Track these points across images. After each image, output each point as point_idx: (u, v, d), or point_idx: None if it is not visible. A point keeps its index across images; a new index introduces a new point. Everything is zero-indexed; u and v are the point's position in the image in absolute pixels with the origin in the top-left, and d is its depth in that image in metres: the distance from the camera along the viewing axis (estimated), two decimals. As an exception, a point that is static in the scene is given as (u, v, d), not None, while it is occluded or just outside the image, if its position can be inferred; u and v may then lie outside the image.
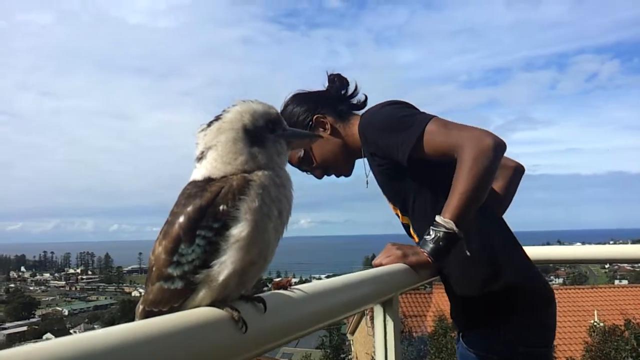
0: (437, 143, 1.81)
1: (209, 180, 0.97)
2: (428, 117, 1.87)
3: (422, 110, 1.98)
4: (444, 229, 1.74)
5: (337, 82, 2.22)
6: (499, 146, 1.75)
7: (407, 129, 1.86)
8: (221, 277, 0.89)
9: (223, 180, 0.95)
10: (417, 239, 2.04)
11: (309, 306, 1.16)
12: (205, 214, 0.91)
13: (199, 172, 0.99)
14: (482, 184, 1.73)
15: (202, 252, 0.90)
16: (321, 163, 2.18)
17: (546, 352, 1.90)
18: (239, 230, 0.90)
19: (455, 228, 1.72)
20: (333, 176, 2.27)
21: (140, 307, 0.96)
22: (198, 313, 0.87)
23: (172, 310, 0.91)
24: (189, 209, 0.92)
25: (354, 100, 2.25)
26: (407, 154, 1.86)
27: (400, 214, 2.14)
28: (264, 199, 0.93)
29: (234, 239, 0.89)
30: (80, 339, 0.65)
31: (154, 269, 0.94)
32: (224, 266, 0.89)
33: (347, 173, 2.26)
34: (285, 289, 1.13)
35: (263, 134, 1.01)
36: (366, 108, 2.18)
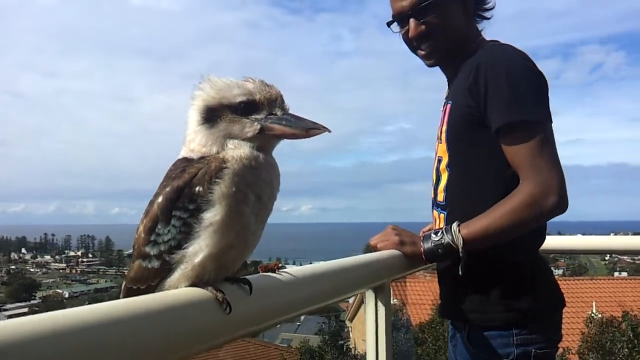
0: (521, 149, 1.67)
1: (188, 161, 0.97)
2: (549, 118, 1.72)
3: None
4: (450, 240, 1.70)
5: None
6: (556, 210, 1.64)
7: (533, 104, 1.69)
8: (196, 260, 0.90)
9: (202, 162, 0.95)
10: (440, 193, 1.91)
11: (296, 290, 1.16)
12: (181, 195, 0.92)
13: (182, 152, 1.00)
14: (515, 230, 1.66)
15: (177, 233, 0.91)
16: (438, 24, 1.85)
17: (555, 352, 1.85)
18: (212, 214, 0.90)
19: (461, 247, 1.68)
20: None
21: (123, 284, 0.99)
22: (182, 293, 0.88)
23: (149, 288, 0.93)
24: (167, 189, 0.93)
25: (488, 5, 1.97)
26: (505, 122, 1.67)
27: (438, 152, 1.93)
28: (238, 184, 0.92)
29: (207, 222, 0.90)
30: (65, 315, 0.66)
31: (135, 246, 0.96)
32: (199, 248, 0.90)
33: (437, 59, 1.95)
34: (273, 272, 1.13)
35: (224, 114, 0.97)
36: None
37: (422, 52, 1.93)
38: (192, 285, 0.91)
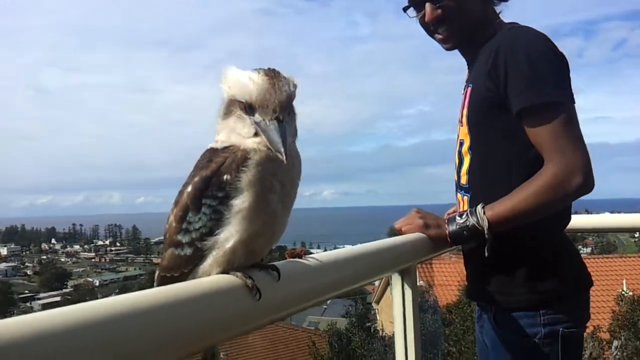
0: (544, 131, 1.64)
1: (214, 151, 0.99)
2: (572, 99, 1.68)
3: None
4: (475, 222, 1.69)
5: None
6: (583, 190, 1.62)
7: (554, 85, 1.66)
8: (227, 245, 0.92)
9: (227, 151, 0.96)
10: (463, 176, 1.89)
11: (323, 275, 1.17)
12: (210, 184, 0.93)
13: (212, 142, 1.02)
14: (540, 211, 1.65)
15: (208, 220, 0.93)
16: (457, 6, 1.83)
17: (583, 331, 1.85)
18: (241, 201, 0.92)
19: (486, 229, 1.67)
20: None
21: (157, 273, 1.01)
22: (212, 280, 0.89)
23: (182, 275, 0.96)
24: (196, 179, 0.95)
25: None
26: (527, 104, 1.64)
27: (460, 135, 1.92)
28: (263, 172, 0.93)
29: (236, 209, 0.92)
30: (99, 305, 0.68)
31: (166, 235, 0.98)
32: (230, 234, 0.92)
33: (454, 43, 1.93)
34: (300, 257, 1.15)
35: (235, 109, 0.97)
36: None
37: (440, 36, 1.91)
38: (224, 271, 0.92)
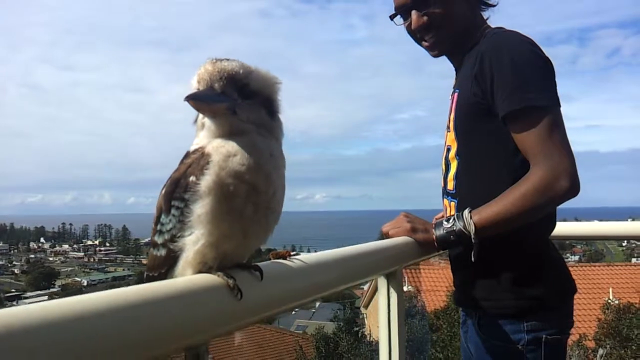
0: (530, 135, 1.64)
1: (188, 153, 0.99)
2: (557, 102, 1.68)
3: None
4: (462, 227, 1.69)
5: None
6: (569, 194, 1.62)
7: (539, 89, 1.66)
8: (195, 247, 0.92)
9: (196, 152, 0.96)
10: (450, 182, 1.91)
11: (307, 276, 1.17)
12: (177, 186, 0.94)
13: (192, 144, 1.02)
14: (527, 215, 1.64)
15: (176, 222, 0.93)
16: (442, 13, 1.84)
17: (566, 337, 1.85)
18: (199, 205, 0.91)
19: (473, 234, 1.67)
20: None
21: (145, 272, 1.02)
22: (193, 279, 0.89)
23: (160, 275, 0.96)
24: (168, 181, 0.97)
25: None
26: (512, 109, 1.65)
27: (447, 141, 1.92)
28: (221, 174, 0.91)
29: (198, 212, 0.91)
30: (78, 301, 0.67)
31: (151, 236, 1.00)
32: (197, 237, 0.92)
33: (441, 50, 1.95)
34: (284, 259, 1.14)
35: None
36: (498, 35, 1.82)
37: (427, 44, 1.93)
38: (198, 272, 0.92)
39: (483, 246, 1.70)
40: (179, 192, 0.93)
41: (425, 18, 1.86)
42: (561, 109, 1.70)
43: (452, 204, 1.91)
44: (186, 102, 0.89)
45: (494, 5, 1.94)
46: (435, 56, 1.97)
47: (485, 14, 1.95)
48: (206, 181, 0.90)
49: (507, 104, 1.66)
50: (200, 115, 0.98)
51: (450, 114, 1.91)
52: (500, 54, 1.70)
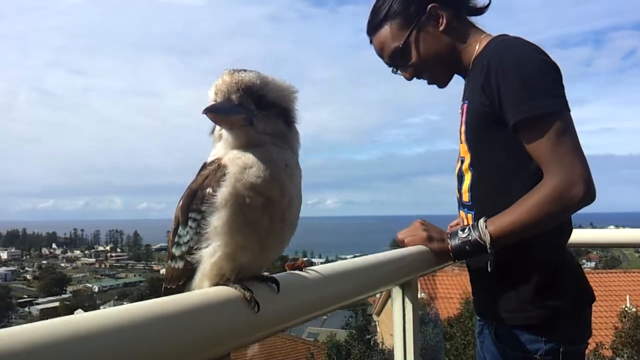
0: (541, 143, 1.62)
1: (205, 165, 1.00)
2: (566, 107, 1.66)
3: None
4: (477, 237, 1.68)
5: None
6: (584, 201, 1.59)
7: (547, 95, 1.63)
8: (212, 260, 0.92)
9: (213, 164, 0.97)
10: (465, 194, 1.88)
11: (323, 288, 1.16)
12: (194, 197, 0.95)
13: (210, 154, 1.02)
14: (543, 224, 1.63)
15: (194, 234, 0.94)
16: (420, 61, 1.91)
17: (584, 348, 1.82)
18: (216, 217, 0.91)
19: (489, 244, 1.66)
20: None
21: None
22: (210, 292, 0.89)
23: (178, 288, 0.97)
24: (186, 192, 0.98)
25: (473, 3, 1.96)
26: (521, 117, 1.63)
27: (461, 153, 1.91)
28: (237, 186, 0.91)
29: (214, 225, 0.92)
30: (99, 315, 0.67)
31: (168, 247, 1.00)
32: (214, 249, 0.92)
33: (443, 83, 2.00)
34: (300, 270, 1.13)
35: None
36: (497, 34, 1.87)
37: (428, 82, 2.01)
38: (215, 284, 0.92)
39: (500, 256, 1.69)
40: (196, 204, 0.94)
41: (410, 69, 1.96)
42: (571, 113, 1.68)
43: (469, 215, 1.89)
44: (204, 115, 0.90)
45: (480, 14, 1.97)
46: (443, 87, 2.02)
47: (479, 23, 1.96)
48: (223, 193, 0.91)
49: (515, 113, 1.65)
50: (217, 127, 0.99)
51: (461, 126, 1.91)
52: (504, 62, 1.69)
